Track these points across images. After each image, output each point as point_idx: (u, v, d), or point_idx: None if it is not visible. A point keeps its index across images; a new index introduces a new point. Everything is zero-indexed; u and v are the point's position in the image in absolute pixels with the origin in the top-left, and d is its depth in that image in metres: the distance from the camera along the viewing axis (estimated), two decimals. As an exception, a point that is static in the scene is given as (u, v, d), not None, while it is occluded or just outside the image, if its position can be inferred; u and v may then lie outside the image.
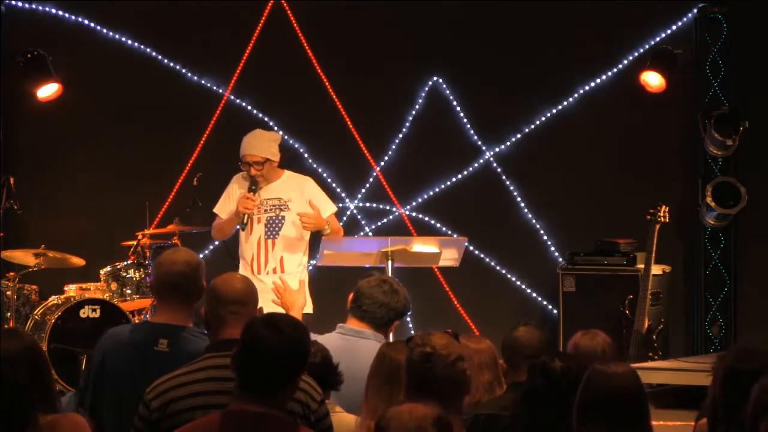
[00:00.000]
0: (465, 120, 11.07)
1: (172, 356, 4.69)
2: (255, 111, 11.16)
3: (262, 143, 7.93)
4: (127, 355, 4.81)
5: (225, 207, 8.03)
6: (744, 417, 3.94)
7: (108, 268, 10.22)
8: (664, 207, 10.01)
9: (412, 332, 10.19)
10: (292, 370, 3.82)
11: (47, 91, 10.82)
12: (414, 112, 11.09)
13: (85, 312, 9.81)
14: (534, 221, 10.99)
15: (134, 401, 4.47)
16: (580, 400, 3.93)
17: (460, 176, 11.09)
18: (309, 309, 7.61)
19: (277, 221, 7.89)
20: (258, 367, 3.78)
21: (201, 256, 8.85)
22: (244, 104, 11.17)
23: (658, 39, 10.76)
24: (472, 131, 11.08)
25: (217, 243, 10.18)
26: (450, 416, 4.01)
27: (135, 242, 10.24)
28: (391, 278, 6.01)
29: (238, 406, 3.79)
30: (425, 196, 11.12)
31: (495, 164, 11.05)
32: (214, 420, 3.81)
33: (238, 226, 7.87)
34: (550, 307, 10.90)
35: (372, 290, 5.77)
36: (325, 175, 11.14)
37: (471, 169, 11.08)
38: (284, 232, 7.88)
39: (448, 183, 11.09)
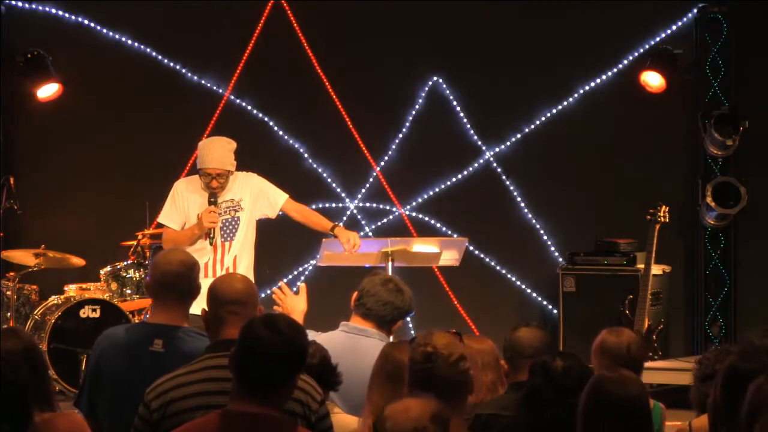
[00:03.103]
0: (465, 120, 11.07)
1: (168, 356, 4.70)
2: (255, 111, 11.16)
3: (224, 155, 7.75)
4: (122, 356, 4.81)
5: (173, 217, 7.83)
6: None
7: (108, 268, 10.23)
8: (664, 207, 10.01)
9: (413, 332, 10.19)
10: (289, 370, 3.82)
11: (47, 91, 10.82)
12: (414, 112, 11.09)
13: (85, 312, 9.82)
14: (534, 221, 10.99)
15: (130, 401, 4.47)
16: (583, 407, 3.92)
17: (460, 176, 11.09)
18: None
19: (233, 223, 7.81)
20: (256, 368, 3.78)
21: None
22: (244, 104, 11.18)
23: (658, 39, 10.76)
24: (472, 131, 11.08)
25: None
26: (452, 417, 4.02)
27: (135, 242, 10.25)
28: (395, 278, 6.01)
29: (235, 406, 3.79)
30: (425, 196, 11.12)
31: (495, 164, 11.05)
32: (212, 420, 3.81)
33: (207, 243, 7.76)
34: (550, 307, 10.90)
35: (376, 288, 5.77)
36: (325, 175, 11.15)
37: (471, 169, 11.08)
38: (240, 233, 7.82)
39: (448, 183, 11.09)
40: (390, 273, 7.73)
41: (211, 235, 7.70)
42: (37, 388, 3.93)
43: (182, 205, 7.83)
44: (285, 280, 10.93)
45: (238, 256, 7.80)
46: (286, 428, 3.81)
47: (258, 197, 7.87)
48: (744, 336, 5.19)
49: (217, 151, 7.78)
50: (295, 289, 6.15)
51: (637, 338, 5.28)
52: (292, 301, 5.96)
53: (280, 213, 8.00)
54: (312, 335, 5.55)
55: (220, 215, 7.76)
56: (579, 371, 4.15)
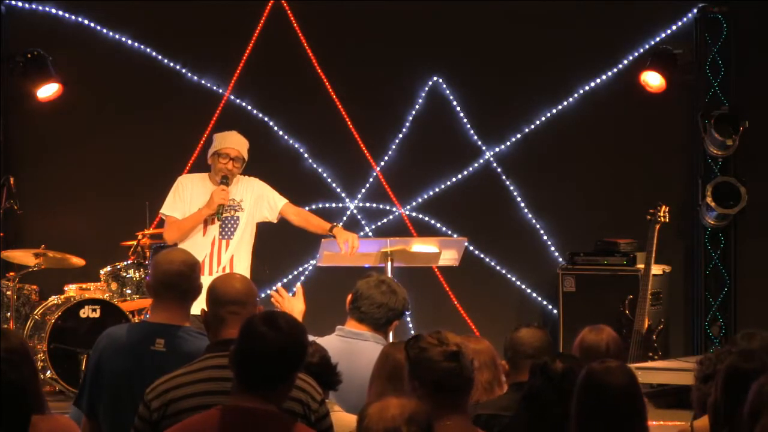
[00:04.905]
0: (465, 120, 11.07)
1: (169, 356, 4.70)
2: (255, 111, 11.16)
3: (243, 143, 7.95)
4: (123, 355, 4.81)
5: (177, 207, 7.90)
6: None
7: (108, 268, 10.23)
8: (664, 207, 10.01)
9: (412, 332, 10.19)
10: (289, 367, 3.84)
11: (47, 91, 10.81)
12: (414, 112, 11.09)
13: (85, 312, 9.82)
14: (534, 221, 10.99)
15: (131, 401, 4.47)
16: (576, 401, 3.94)
17: (460, 176, 11.09)
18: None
19: (232, 221, 7.87)
20: (255, 364, 3.81)
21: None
22: (244, 104, 11.17)
23: (658, 39, 10.76)
24: (472, 131, 11.08)
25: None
26: (462, 416, 4.02)
27: (135, 242, 10.25)
28: (389, 278, 6.01)
29: (235, 402, 3.82)
30: (425, 196, 11.12)
31: (495, 164, 11.05)
32: (212, 415, 3.84)
33: (216, 218, 7.80)
34: (550, 307, 10.91)
35: (370, 291, 5.77)
36: (325, 175, 11.14)
37: (471, 169, 11.08)
38: (238, 233, 7.86)
39: (448, 183, 11.09)
40: (389, 273, 7.74)
41: (221, 212, 7.77)
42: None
43: (186, 198, 7.89)
44: (285, 281, 10.99)
45: (236, 256, 7.83)
46: (284, 424, 3.83)
47: (259, 200, 7.93)
48: (730, 339, 5.21)
49: (236, 137, 7.96)
50: (292, 291, 6.17)
51: (616, 337, 5.29)
52: (290, 303, 6.00)
53: (280, 217, 8.04)
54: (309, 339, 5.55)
55: (222, 215, 7.80)
56: (579, 373, 4.15)
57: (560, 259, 10.82)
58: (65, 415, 4.49)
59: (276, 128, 11.15)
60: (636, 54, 10.81)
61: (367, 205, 11.20)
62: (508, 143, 11.03)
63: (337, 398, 5.02)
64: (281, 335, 3.80)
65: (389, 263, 7.91)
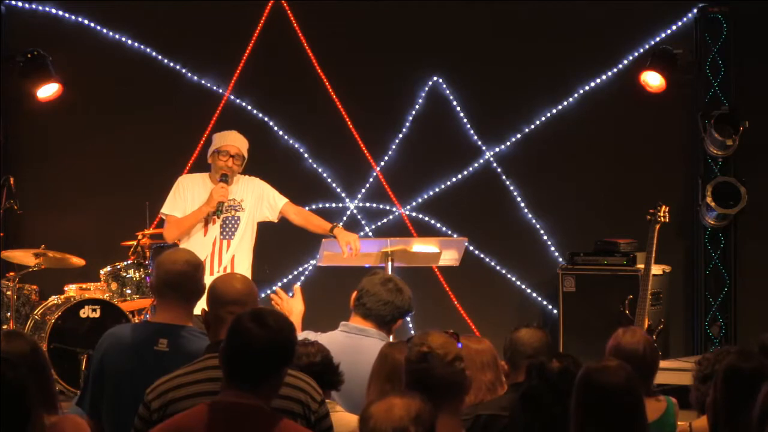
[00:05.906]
0: (465, 120, 11.07)
1: (172, 356, 4.71)
2: (255, 111, 11.16)
3: (243, 142, 8.00)
4: (126, 355, 4.82)
5: (177, 206, 7.94)
6: (745, 417, 3.95)
7: (108, 268, 10.23)
8: (664, 207, 10.00)
9: (412, 332, 10.18)
10: (275, 363, 3.87)
11: (47, 91, 10.81)
12: (414, 112, 11.09)
13: (85, 312, 9.82)
14: (534, 221, 10.99)
15: (134, 401, 4.47)
16: (574, 400, 3.94)
17: (460, 176, 11.09)
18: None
19: (233, 221, 7.90)
20: (242, 359, 3.84)
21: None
22: (244, 104, 11.18)
23: (658, 39, 10.76)
24: (472, 131, 11.08)
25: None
26: (447, 417, 4.02)
27: (135, 242, 10.25)
28: (395, 277, 6.03)
29: (223, 397, 3.85)
30: (425, 196, 11.12)
31: (495, 164, 11.05)
32: (199, 411, 3.87)
33: (216, 216, 7.83)
34: (550, 307, 10.90)
35: (376, 288, 5.78)
36: (325, 175, 11.14)
37: (471, 169, 11.08)
38: (239, 232, 7.89)
39: (448, 183, 11.09)
40: (390, 273, 7.74)
41: (220, 209, 7.79)
42: (42, 390, 3.94)
43: (187, 197, 7.92)
44: (285, 280, 10.99)
45: (237, 257, 7.85)
46: (270, 419, 3.84)
47: (259, 200, 7.95)
48: (763, 336, 5.17)
49: (237, 136, 8.01)
50: (290, 293, 6.18)
51: (650, 338, 5.31)
52: (289, 305, 6.03)
53: (281, 217, 8.05)
54: (312, 336, 5.57)
55: (222, 211, 7.82)
56: (575, 373, 4.15)
57: (560, 259, 10.82)
58: (80, 416, 4.50)
59: (276, 128, 11.15)
60: (636, 54, 10.81)
61: (367, 205, 11.20)
62: (508, 143, 11.03)
63: (341, 393, 5.03)
64: (269, 332, 3.84)
65: (389, 263, 7.91)
